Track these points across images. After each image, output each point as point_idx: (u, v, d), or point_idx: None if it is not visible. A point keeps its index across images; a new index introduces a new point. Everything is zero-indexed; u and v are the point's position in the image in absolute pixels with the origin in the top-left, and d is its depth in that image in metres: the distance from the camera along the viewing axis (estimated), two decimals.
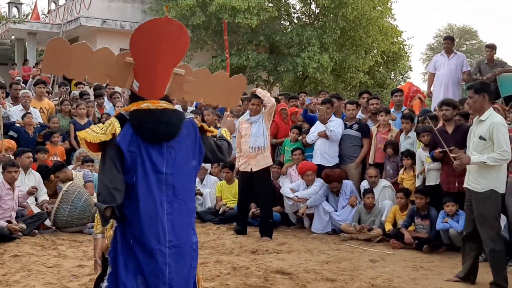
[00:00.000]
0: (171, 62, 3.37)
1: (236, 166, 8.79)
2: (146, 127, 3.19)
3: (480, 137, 5.62)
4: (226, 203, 9.25)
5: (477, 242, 5.80)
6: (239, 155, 8.28)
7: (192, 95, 3.96)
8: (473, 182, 5.72)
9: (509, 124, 6.60)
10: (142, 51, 3.23)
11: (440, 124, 7.98)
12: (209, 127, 3.64)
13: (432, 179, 7.85)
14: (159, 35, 3.19)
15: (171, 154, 3.25)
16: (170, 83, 3.44)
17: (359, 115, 9.60)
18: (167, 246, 3.19)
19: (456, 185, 7.37)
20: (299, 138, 9.52)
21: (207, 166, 9.87)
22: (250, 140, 7.96)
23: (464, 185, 5.91)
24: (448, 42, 11.25)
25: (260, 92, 8.33)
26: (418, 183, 8.06)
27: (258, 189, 8.13)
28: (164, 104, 3.30)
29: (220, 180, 9.69)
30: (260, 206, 8.43)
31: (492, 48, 10.98)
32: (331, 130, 8.83)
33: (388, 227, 7.91)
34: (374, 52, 23.79)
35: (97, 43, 20.69)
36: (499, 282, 5.65)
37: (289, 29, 21.69)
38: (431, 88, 11.15)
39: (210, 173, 10.04)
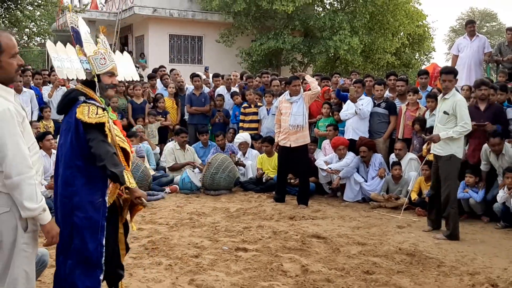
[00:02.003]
0: None
1: (275, 140, 8.80)
2: None
3: (445, 112, 6.24)
4: (268, 174, 9.31)
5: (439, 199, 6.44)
6: (278, 130, 8.28)
7: None
8: (438, 148, 6.34)
9: None
10: None
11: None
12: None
13: None
14: None
15: None
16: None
17: (387, 94, 9.48)
18: None
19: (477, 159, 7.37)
20: (334, 116, 9.48)
21: (249, 140, 9.91)
22: (290, 118, 7.94)
23: (431, 151, 6.52)
24: (472, 26, 10.93)
25: (308, 78, 8.44)
26: None
27: (296, 163, 8.15)
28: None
29: (260, 154, 9.73)
30: (298, 177, 8.45)
31: (511, 30, 10.65)
32: (360, 109, 8.79)
33: (414, 196, 7.84)
34: (401, 34, 23.32)
35: (149, 30, 20.84)
36: (454, 232, 6.27)
37: (322, 14, 21.39)
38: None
39: (252, 147, 10.07)
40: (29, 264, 2.87)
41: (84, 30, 3.56)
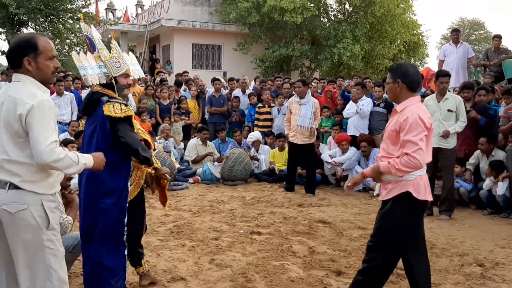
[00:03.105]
0: None
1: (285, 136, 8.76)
2: None
3: (449, 110, 6.41)
4: (278, 167, 9.30)
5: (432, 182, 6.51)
6: (288, 128, 8.25)
7: None
8: (445, 142, 6.48)
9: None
10: None
11: None
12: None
13: None
14: None
15: None
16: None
17: (385, 95, 9.40)
18: None
19: (466, 152, 7.30)
20: (335, 118, 9.45)
21: (260, 138, 9.89)
22: (299, 119, 7.91)
23: (435, 146, 6.21)
24: (456, 34, 10.83)
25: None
26: None
27: (304, 157, 8.13)
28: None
29: (272, 149, 9.72)
30: (306, 169, 8.43)
31: (498, 38, 10.55)
32: (360, 108, 8.74)
33: None
34: (397, 42, 23.04)
35: (174, 39, 20.86)
36: (449, 208, 6.61)
37: (327, 25, 21.20)
38: None
39: (265, 143, 10.06)
40: (57, 262, 2.60)
41: (97, 37, 3.57)
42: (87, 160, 2.75)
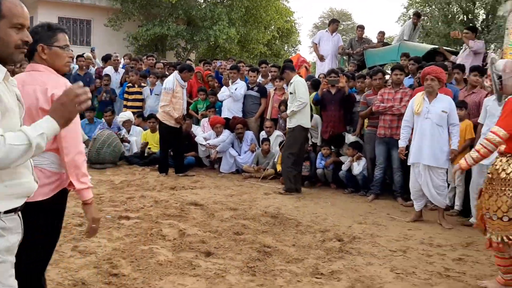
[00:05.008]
0: None
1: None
2: None
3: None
4: (151, 148, 9.10)
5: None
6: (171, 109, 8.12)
7: None
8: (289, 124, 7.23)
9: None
10: None
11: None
12: None
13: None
14: None
15: None
16: None
17: (260, 79, 9.65)
18: None
19: (330, 133, 7.79)
20: (209, 99, 9.48)
21: (132, 118, 9.58)
22: (184, 103, 8.24)
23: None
24: (336, 24, 11.46)
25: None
26: None
27: (177, 139, 8.14)
28: None
29: (144, 130, 9.47)
30: (175, 152, 8.39)
31: (361, 28, 11.35)
32: (232, 92, 8.89)
33: (279, 168, 8.11)
34: (272, 28, 23.82)
35: (38, 12, 19.25)
36: (289, 187, 7.10)
37: (203, 6, 21.15)
38: (314, 59, 11.38)
39: (134, 124, 9.75)
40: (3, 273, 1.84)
41: None
42: (45, 127, 1.77)
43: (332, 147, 7.92)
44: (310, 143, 8.26)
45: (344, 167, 7.47)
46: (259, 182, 7.88)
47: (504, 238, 3.54)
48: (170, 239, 4.67)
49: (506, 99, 3.73)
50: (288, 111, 7.27)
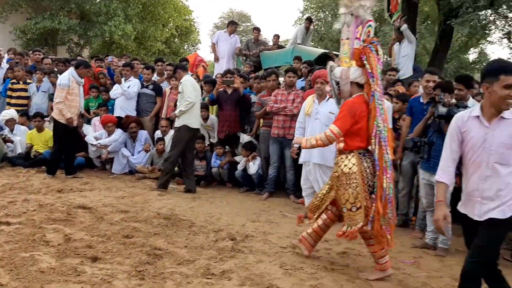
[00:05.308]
0: None
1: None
2: None
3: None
4: (36, 150, 8.52)
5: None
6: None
7: None
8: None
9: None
10: None
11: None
12: None
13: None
14: None
15: None
16: None
17: (155, 77, 9.46)
18: None
19: (226, 133, 7.85)
20: (102, 96, 9.12)
21: (15, 116, 8.91)
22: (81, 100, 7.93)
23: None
24: (235, 26, 11.56)
25: None
26: None
27: (70, 138, 7.75)
28: None
29: (30, 129, 8.85)
30: (67, 152, 7.92)
31: (257, 30, 11.61)
32: (124, 90, 8.64)
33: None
34: (170, 25, 23.51)
35: None
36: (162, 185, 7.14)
37: (98, 0, 20.28)
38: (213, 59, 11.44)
39: (18, 123, 9.08)
40: None
41: None
42: None
43: (227, 147, 7.99)
44: (207, 142, 8.27)
45: (240, 167, 7.56)
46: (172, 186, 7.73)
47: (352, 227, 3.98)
48: (54, 244, 4.40)
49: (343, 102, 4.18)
50: (176, 111, 7.28)
